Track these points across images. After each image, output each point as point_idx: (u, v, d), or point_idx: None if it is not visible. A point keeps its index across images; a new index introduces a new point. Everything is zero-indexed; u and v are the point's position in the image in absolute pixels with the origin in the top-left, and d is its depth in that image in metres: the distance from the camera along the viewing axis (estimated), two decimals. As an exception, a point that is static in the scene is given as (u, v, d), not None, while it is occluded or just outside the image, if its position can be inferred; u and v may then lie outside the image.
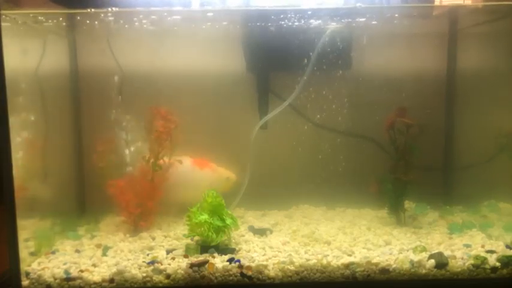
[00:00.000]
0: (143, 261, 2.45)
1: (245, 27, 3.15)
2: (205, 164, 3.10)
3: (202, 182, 2.97)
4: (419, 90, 3.20)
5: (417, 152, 2.92)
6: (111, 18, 2.77)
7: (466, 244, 2.62)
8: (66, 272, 2.38)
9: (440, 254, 2.46)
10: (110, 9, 2.60)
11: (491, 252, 2.51)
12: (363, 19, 2.92)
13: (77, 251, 2.65)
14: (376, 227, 2.93)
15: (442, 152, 3.37)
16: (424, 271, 2.41)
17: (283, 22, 2.93)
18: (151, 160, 2.89)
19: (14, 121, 2.35)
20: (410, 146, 2.92)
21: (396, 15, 2.92)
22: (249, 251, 2.56)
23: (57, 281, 2.36)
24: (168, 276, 2.38)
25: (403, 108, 2.92)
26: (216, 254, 2.49)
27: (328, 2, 2.81)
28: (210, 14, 2.82)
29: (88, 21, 2.86)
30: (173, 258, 2.47)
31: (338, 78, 3.17)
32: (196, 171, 3.06)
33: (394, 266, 2.41)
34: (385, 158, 3.09)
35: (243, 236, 2.78)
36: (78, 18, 2.85)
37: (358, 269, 2.41)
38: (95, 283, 2.35)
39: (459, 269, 2.41)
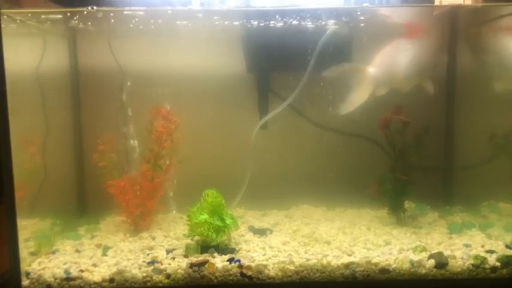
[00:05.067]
0: (143, 261, 2.45)
1: (245, 27, 3.14)
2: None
3: None
4: (419, 89, 3.19)
5: (416, 152, 2.92)
6: (110, 17, 2.77)
7: (465, 244, 2.62)
8: (67, 271, 2.38)
9: (440, 253, 2.46)
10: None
11: (491, 252, 2.51)
12: (364, 19, 2.92)
13: (77, 251, 2.65)
14: (376, 227, 2.93)
15: (442, 152, 3.37)
16: (424, 271, 2.41)
17: (283, 22, 2.93)
18: (152, 160, 2.89)
19: (14, 121, 2.34)
20: (409, 145, 2.92)
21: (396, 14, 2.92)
22: (249, 251, 2.56)
23: (57, 280, 2.36)
24: (168, 276, 2.38)
25: (399, 107, 2.92)
26: (216, 254, 2.49)
27: (329, 2, 2.81)
28: (209, 14, 2.81)
29: (88, 21, 2.86)
30: (173, 258, 2.47)
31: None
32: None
33: (394, 265, 2.41)
34: (385, 158, 3.08)
35: (243, 236, 2.78)
36: (78, 17, 2.85)
37: (358, 269, 2.41)
38: (95, 283, 2.36)
39: (459, 269, 2.42)
